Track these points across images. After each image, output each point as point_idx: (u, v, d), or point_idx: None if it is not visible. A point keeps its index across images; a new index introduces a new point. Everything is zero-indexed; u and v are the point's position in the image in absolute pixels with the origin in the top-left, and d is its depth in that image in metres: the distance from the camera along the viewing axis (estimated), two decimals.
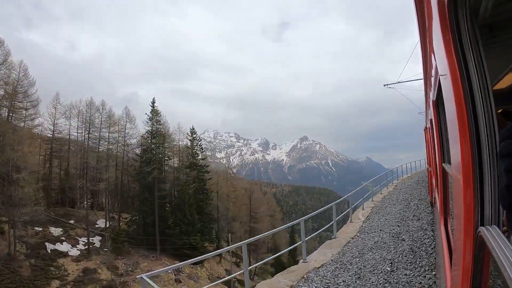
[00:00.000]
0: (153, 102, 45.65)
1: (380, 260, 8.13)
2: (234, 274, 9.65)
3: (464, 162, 1.14)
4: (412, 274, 6.63)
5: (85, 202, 41.48)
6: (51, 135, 44.59)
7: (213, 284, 8.90)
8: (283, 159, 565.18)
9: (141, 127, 48.02)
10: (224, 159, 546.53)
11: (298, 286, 7.20)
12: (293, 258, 51.08)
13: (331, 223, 11.59)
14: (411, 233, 9.86)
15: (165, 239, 41.85)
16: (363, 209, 16.41)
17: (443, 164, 3.38)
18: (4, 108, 36.63)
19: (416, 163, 34.96)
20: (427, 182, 16.53)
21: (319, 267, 8.35)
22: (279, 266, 43.50)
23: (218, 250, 10.05)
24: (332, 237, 11.37)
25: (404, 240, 9.34)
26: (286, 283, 7.28)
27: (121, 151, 48.33)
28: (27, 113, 43.01)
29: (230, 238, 53.26)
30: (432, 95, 3.13)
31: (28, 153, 33.48)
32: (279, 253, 12.32)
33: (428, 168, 13.71)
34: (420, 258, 7.28)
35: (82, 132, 50.01)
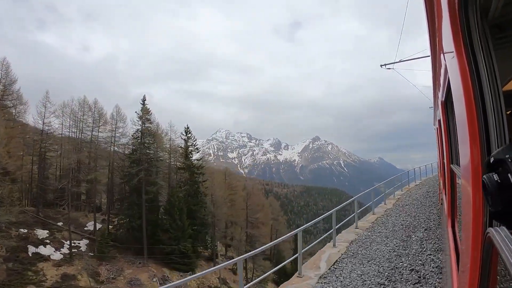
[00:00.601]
0: (144, 100, 43.44)
1: None
2: None
3: (473, 163, 1.14)
4: None
5: (69, 203, 39.35)
6: (40, 134, 43.26)
7: None
8: (295, 159, 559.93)
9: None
10: (236, 159, 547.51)
11: None
12: (295, 265, 48.08)
13: (330, 231, 10.74)
14: None
15: (153, 245, 39.62)
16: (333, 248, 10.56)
17: (451, 165, 3.39)
18: None
19: (427, 167, 30.81)
20: (438, 196, 13.88)
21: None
22: (281, 273, 40.64)
23: (212, 268, 7.88)
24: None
25: None
26: None
27: (113, 151, 46.54)
28: (16, 111, 42.12)
29: (225, 246, 50.90)
30: (441, 96, 3.17)
31: (4, 152, 31.67)
32: (279, 266, 9.32)
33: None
34: None
35: (75, 132, 48.98)
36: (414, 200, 17.35)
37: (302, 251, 8.44)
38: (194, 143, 47.62)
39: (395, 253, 8.86)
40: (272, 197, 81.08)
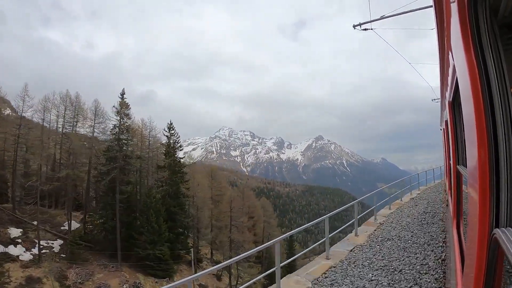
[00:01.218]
0: (123, 94, 41.23)
1: None
2: None
3: (480, 163, 1.14)
4: None
5: (37, 201, 37.47)
6: (18, 129, 41.47)
7: None
8: (297, 159, 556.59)
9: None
10: (238, 157, 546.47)
11: None
12: (290, 268, 45.80)
13: (324, 239, 9.33)
14: None
15: (129, 248, 37.52)
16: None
17: (457, 166, 3.39)
18: None
19: (428, 172, 26.43)
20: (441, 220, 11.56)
21: None
22: (272, 277, 38.12)
23: (191, 276, 5.84)
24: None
25: None
26: None
27: (92, 147, 44.52)
28: None
29: (211, 250, 48.51)
30: (449, 96, 3.17)
31: None
32: (265, 273, 7.84)
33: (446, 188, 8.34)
34: None
35: (56, 127, 47.28)
36: (406, 225, 11.95)
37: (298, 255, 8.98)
38: (178, 140, 45.21)
39: None
40: (265, 198, 78.08)
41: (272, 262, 52.99)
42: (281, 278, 7.24)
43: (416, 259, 8.13)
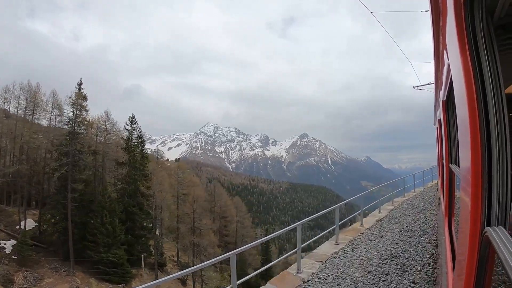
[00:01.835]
0: (80, 84, 38.15)
1: None
2: None
3: (473, 162, 1.15)
4: None
5: None
6: None
7: None
8: (282, 156, 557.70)
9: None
10: (223, 153, 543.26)
11: None
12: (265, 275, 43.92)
13: (295, 250, 7.96)
14: None
15: (83, 251, 34.75)
16: None
17: (450, 164, 3.41)
18: None
19: (416, 177, 21.92)
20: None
21: None
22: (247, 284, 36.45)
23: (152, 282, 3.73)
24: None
25: None
26: None
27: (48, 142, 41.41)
28: None
29: (177, 252, 45.88)
30: (442, 95, 3.22)
31: None
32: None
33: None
34: None
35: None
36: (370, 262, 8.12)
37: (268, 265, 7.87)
38: (140, 134, 42.38)
39: None
40: (238, 197, 75.64)
41: (243, 265, 51.35)
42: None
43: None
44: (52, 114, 41.24)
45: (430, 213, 12.42)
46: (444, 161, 4.22)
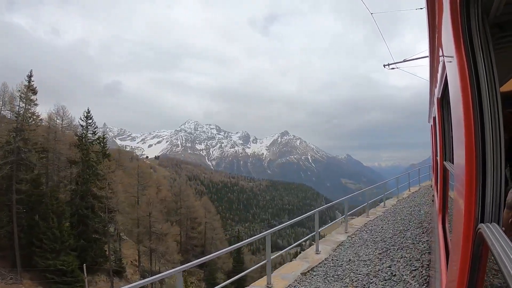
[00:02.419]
0: (30, 76, 34.58)
1: None
2: None
3: (468, 160, 1.15)
4: None
5: None
6: None
7: None
8: (263, 153, 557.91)
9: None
10: (204, 151, 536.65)
11: None
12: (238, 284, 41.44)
13: (264, 261, 7.14)
14: None
15: (31, 257, 31.48)
16: None
17: (444, 162, 3.38)
18: None
19: (402, 179, 20.03)
20: None
21: None
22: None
23: None
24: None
25: None
26: None
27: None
28: None
29: (138, 257, 42.79)
30: (437, 92, 3.17)
31: None
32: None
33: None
34: None
35: None
36: None
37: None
38: (95, 131, 39.00)
39: None
40: (207, 197, 72.55)
41: (215, 268, 48.84)
42: None
43: None
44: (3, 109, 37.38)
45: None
46: (438, 158, 4.26)
